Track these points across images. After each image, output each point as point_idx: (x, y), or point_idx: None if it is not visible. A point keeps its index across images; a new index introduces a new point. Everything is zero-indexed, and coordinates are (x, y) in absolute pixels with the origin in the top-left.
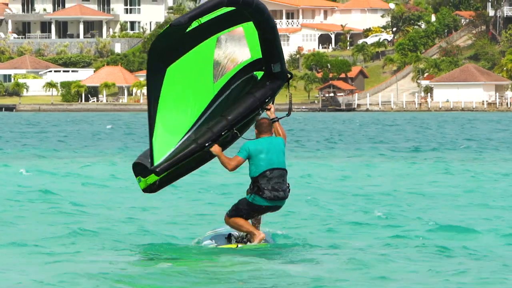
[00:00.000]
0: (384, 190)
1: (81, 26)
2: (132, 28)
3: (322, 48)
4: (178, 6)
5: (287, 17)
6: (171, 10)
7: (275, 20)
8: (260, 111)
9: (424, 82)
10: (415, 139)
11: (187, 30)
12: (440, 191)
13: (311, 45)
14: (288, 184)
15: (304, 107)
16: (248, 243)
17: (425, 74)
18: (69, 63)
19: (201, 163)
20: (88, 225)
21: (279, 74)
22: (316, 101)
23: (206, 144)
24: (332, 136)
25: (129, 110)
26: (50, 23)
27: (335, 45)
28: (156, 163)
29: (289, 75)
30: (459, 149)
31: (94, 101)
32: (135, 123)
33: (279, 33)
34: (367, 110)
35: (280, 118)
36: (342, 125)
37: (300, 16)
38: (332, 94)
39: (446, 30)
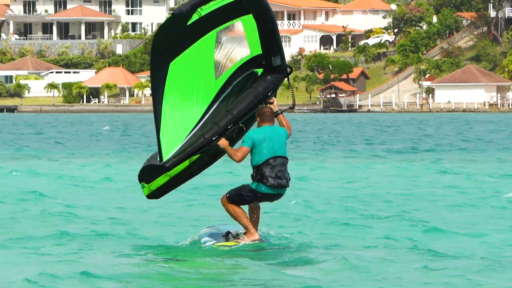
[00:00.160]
0: (377, 191)
1: (83, 27)
2: (134, 29)
3: (324, 49)
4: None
5: (289, 18)
6: (172, 11)
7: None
8: (264, 105)
9: (426, 83)
10: (410, 140)
11: (187, 24)
12: (432, 192)
13: (312, 46)
14: (288, 173)
15: (305, 108)
16: (241, 238)
17: (427, 75)
18: (70, 64)
19: (202, 168)
20: (77, 226)
21: (280, 67)
22: (317, 102)
23: (213, 138)
24: (330, 137)
25: (131, 111)
26: (51, 24)
27: (336, 46)
28: (165, 158)
29: (289, 69)
30: (454, 150)
31: (95, 102)
32: (133, 124)
33: (281, 35)
34: (369, 111)
35: (284, 110)
36: (340, 126)
37: (302, 17)
38: (333, 95)
39: (447, 31)
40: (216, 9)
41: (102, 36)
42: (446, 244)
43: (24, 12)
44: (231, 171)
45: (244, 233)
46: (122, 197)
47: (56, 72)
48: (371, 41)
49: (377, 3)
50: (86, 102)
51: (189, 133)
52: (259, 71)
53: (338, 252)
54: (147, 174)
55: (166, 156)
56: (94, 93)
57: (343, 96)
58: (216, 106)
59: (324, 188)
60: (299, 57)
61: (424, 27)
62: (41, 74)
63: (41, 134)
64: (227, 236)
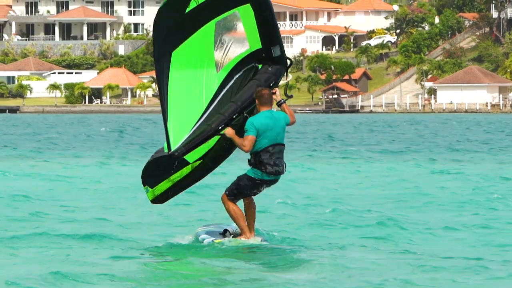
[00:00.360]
0: (366, 192)
1: (85, 28)
2: (136, 30)
3: (326, 50)
4: None
5: (291, 19)
6: None
7: (278, 23)
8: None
9: (428, 84)
10: (405, 141)
11: (186, 11)
12: (420, 193)
13: (314, 47)
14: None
15: (307, 109)
16: (238, 237)
17: (429, 76)
18: (72, 65)
19: (206, 172)
20: (68, 226)
21: (280, 59)
22: (319, 103)
23: (220, 127)
24: (325, 138)
25: (133, 112)
26: (53, 25)
27: (338, 47)
28: (173, 148)
29: (289, 61)
30: (446, 151)
31: (97, 103)
32: (131, 125)
33: (283, 35)
34: (371, 111)
35: (286, 99)
36: (338, 127)
37: (304, 18)
38: (335, 96)
39: (449, 32)
40: None
41: (104, 37)
42: (433, 244)
43: (26, 12)
44: (225, 172)
45: (240, 234)
46: (115, 197)
47: (58, 73)
48: (373, 41)
49: (379, 4)
50: (88, 102)
51: (195, 124)
52: (260, 66)
53: (326, 253)
54: (151, 174)
55: (175, 145)
56: (96, 93)
57: (345, 97)
58: (220, 98)
59: (313, 189)
60: (301, 57)
61: (426, 27)
62: (43, 74)
63: (38, 135)
64: (224, 233)
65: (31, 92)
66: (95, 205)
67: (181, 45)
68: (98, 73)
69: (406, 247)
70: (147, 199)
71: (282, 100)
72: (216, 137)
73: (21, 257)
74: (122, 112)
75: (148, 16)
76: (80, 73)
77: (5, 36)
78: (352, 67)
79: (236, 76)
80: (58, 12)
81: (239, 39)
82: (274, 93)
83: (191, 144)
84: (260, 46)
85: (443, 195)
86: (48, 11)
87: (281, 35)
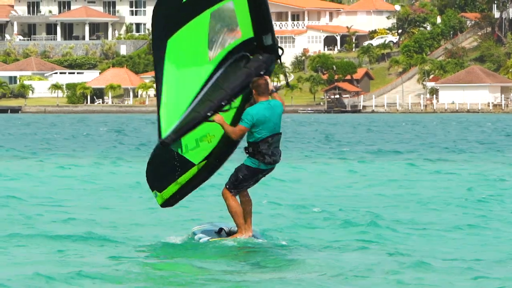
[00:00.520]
0: (359, 192)
1: (87, 28)
2: (138, 30)
3: (328, 50)
4: None
5: (293, 19)
6: None
7: (275, 23)
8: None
9: (430, 84)
10: (400, 142)
11: (183, 1)
12: (409, 193)
13: (316, 47)
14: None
15: (309, 109)
16: (235, 235)
17: (431, 76)
18: (74, 65)
19: (212, 171)
20: (62, 227)
21: (271, 47)
22: (321, 103)
23: (209, 114)
24: (321, 139)
25: (134, 112)
26: (55, 25)
27: (340, 47)
28: (164, 135)
29: (280, 50)
30: (438, 151)
31: (99, 103)
32: (130, 125)
33: (285, 35)
34: (373, 112)
35: (278, 89)
36: (336, 127)
37: (306, 18)
38: (337, 96)
39: (451, 32)
40: None
41: (106, 37)
42: (423, 244)
43: (28, 12)
44: (220, 172)
45: (235, 232)
46: (109, 197)
47: (60, 73)
48: (375, 41)
49: (381, 3)
50: (90, 102)
51: (186, 111)
52: (252, 57)
53: (317, 253)
54: (157, 178)
55: (165, 133)
56: (98, 93)
57: (347, 97)
58: (211, 85)
59: (304, 189)
60: (303, 57)
61: (428, 27)
62: (45, 74)
63: (34, 135)
64: (219, 232)
65: (33, 92)
66: (89, 205)
67: (176, 33)
68: (100, 73)
69: (397, 247)
70: (140, 199)
71: (273, 89)
72: (219, 136)
73: (14, 258)
74: (124, 112)
75: (150, 16)
76: (82, 73)
77: (7, 36)
78: (354, 67)
79: (227, 64)
80: (60, 12)
81: (232, 28)
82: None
83: (180, 130)
84: (252, 35)
85: (435, 195)
86: (50, 11)
87: (283, 35)
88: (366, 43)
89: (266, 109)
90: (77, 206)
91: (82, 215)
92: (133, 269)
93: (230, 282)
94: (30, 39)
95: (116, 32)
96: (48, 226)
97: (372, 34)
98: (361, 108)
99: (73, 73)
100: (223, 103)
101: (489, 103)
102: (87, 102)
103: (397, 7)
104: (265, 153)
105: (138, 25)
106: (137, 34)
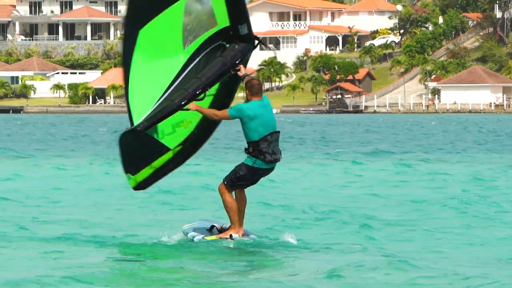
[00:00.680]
0: (350, 192)
1: (89, 28)
2: None
3: (330, 50)
4: None
5: (295, 19)
6: None
7: (277, 23)
8: (232, 72)
9: (432, 84)
10: (399, 142)
11: None
12: (398, 194)
13: (318, 47)
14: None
15: (311, 109)
16: (228, 231)
17: (433, 76)
18: (76, 65)
19: (186, 157)
20: (53, 228)
21: (247, 37)
22: (323, 103)
23: (183, 103)
24: (316, 139)
25: None
26: (57, 25)
27: (342, 47)
28: (136, 123)
29: (256, 40)
30: (436, 152)
31: (101, 103)
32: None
33: (287, 35)
34: (375, 112)
35: (249, 75)
36: (336, 128)
37: (308, 18)
38: (339, 96)
39: (453, 32)
40: None
41: (108, 37)
42: (413, 244)
43: (30, 12)
44: (216, 173)
45: (229, 227)
46: (102, 197)
47: (62, 73)
48: (377, 42)
49: (383, 4)
50: (92, 103)
51: (159, 99)
52: (228, 46)
53: (306, 253)
54: (130, 161)
55: (137, 120)
56: (100, 94)
57: (349, 97)
58: (185, 74)
59: (296, 189)
60: (305, 57)
61: (430, 28)
62: (47, 75)
63: (32, 135)
64: (211, 229)
65: (34, 92)
66: (84, 206)
67: (149, 23)
68: (102, 73)
69: (387, 247)
70: (135, 199)
71: (246, 74)
72: (195, 122)
73: (5, 261)
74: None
75: None
76: (84, 73)
77: (9, 36)
78: (355, 67)
79: (203, 53)
80: (62, 12)
81: (208, 17)
82: (239, 70)
83: (153, 118)
84: (228, 24)
85: (428, 196)
86: (52, 11)
87: (285, 35)
88: (368, 43)
89: (259, 107)
90: (71, 206)
91: (77, 215)
92: (128, 270)
93: (221, 282)
94: (32, 39)
95: (118, 32)
96: (42, 227)
97: (374, 34)
98: (363, 108)
99: (75, 73)
100: (197, 92)
101: (491, 103)
102: (89, 102)
103: (399, 7)
104: (265, 151)
105: None
106: None
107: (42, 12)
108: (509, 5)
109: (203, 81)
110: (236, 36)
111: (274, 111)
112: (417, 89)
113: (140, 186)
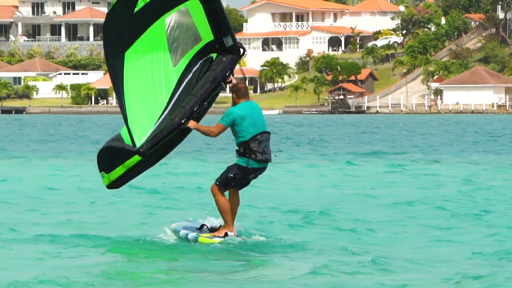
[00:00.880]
0: (340, 193)
1: (91, 29)
2: None
3: (332, 50)
4: None
5: (297, 20)
6: None
7: (279, 24)
8: (223, 85)
9: (434, 85)
10: (395, 142)
11: (135, 11)
12: (390, 195)
13: (321, 48)
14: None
15: (314, 109)
16: (219, 230)
17: (435, 77)
18: (79, 66)
19: (160, 157)
20: (47, 229)
21: (233, 48)
22: (326, 104)
23: (183, 121)
24: (312, 140)
25: None
26: (60, 25)
27: (345, 48)
28: (138, 145)
29: (242, 50)
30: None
31: (104, 104)
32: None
33: (289, 36)
34: (377, 112)
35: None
36: (335, 128)
37: (310, 19)
38: (342, 97)
39: (456, 33)
40: None
41: None
42: (402, 246)
43: (33, 13)
44: (210, 173)
45: (220, 226)
46: (93, 198)
47: (65, 74)
48: (380, 42)
49: (385, 4)
50: (95, 103)
51: (158, 119)
52: (214, 55)
53: (295, 254)
54: (106, 160)
55: (139, 142)
56: (103, 94)
57: (352, 98)
58: (181, 91)
59: (287, 190)
60: (308, 58)
61: (433, 28)
62: (49, 75)
63: (28, 135)
64: (201, 228)
65: (37, 93)
66: (77, 206)
67: (133, 44)
68: (104, 73)
69: (376, 248)
70: (128, 200)
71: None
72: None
73: None
74: None
75: None
76: (86, 74)
77: (12, 37)
78: (358, 68)
79: (194, 69)
80: (64, 12)
81: (192, 33)
82: (230, 81)
83: (155, 139)
84: (213, 38)
85: (418, 196)
86: (54, 12)
87: (287, 36)
88: (370, 44)
89: (247, 108)
90: (64, 207)
91: (70, 216)
92: (123, 270)
93: (210, 281)
94: (35, 40)
95: None
96: (35, 228)
97: (376, 35)
98: (365, 109)
99: (78, 73)
100: (195, 109)
101: (493, 104)
102: (91, 103)
103: (402, 8)
104: (256, 150)
105: None
106: None
107: (44, 13)
108: None
109: (198, 97)
110: (222, 48)
111: (276, 111)
112: (420, 89)
113: (113, 184)
